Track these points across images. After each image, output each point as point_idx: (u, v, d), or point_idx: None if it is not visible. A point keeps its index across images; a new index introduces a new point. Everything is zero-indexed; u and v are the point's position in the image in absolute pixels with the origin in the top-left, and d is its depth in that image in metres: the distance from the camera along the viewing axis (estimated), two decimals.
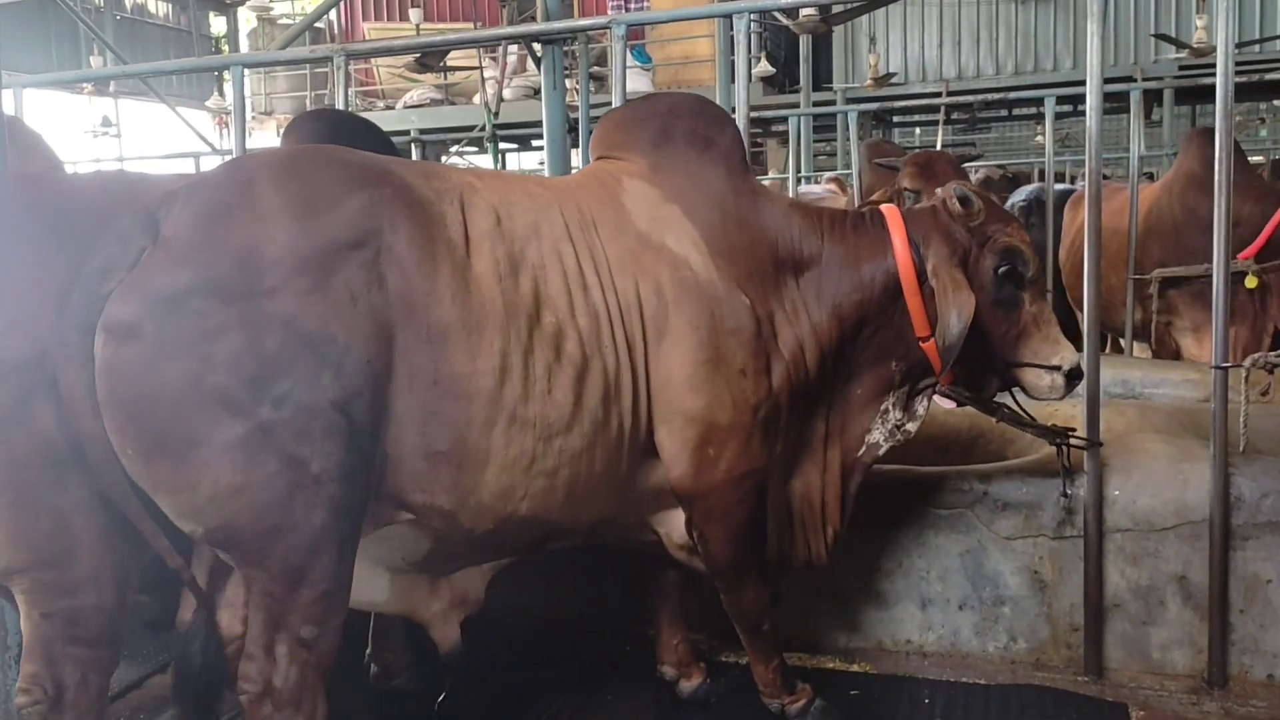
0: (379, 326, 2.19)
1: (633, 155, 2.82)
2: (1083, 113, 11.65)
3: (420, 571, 2.58)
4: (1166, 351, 5.97)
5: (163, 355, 2.06)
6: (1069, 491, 3.25)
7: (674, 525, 2.82)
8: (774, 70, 11.66)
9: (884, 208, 2.97)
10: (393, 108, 14.24)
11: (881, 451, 2.95)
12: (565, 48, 6.82)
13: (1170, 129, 12.82)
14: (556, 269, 2.49)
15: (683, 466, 2.64)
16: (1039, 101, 13.65)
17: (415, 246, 2.29)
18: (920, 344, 2.83)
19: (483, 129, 6.85)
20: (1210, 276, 5.67)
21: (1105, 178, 10.04)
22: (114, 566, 2.26)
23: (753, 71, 11.77)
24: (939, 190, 2.98)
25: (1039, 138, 16.21)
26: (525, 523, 2.46)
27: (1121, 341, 6.99)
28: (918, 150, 5.88)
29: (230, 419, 2.06)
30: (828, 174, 11.30)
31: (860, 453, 2.94)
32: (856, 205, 5.72)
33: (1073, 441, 3.21)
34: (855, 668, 3.37)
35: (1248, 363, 3.08)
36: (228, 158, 8.18)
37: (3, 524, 2.13)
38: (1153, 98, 11.52)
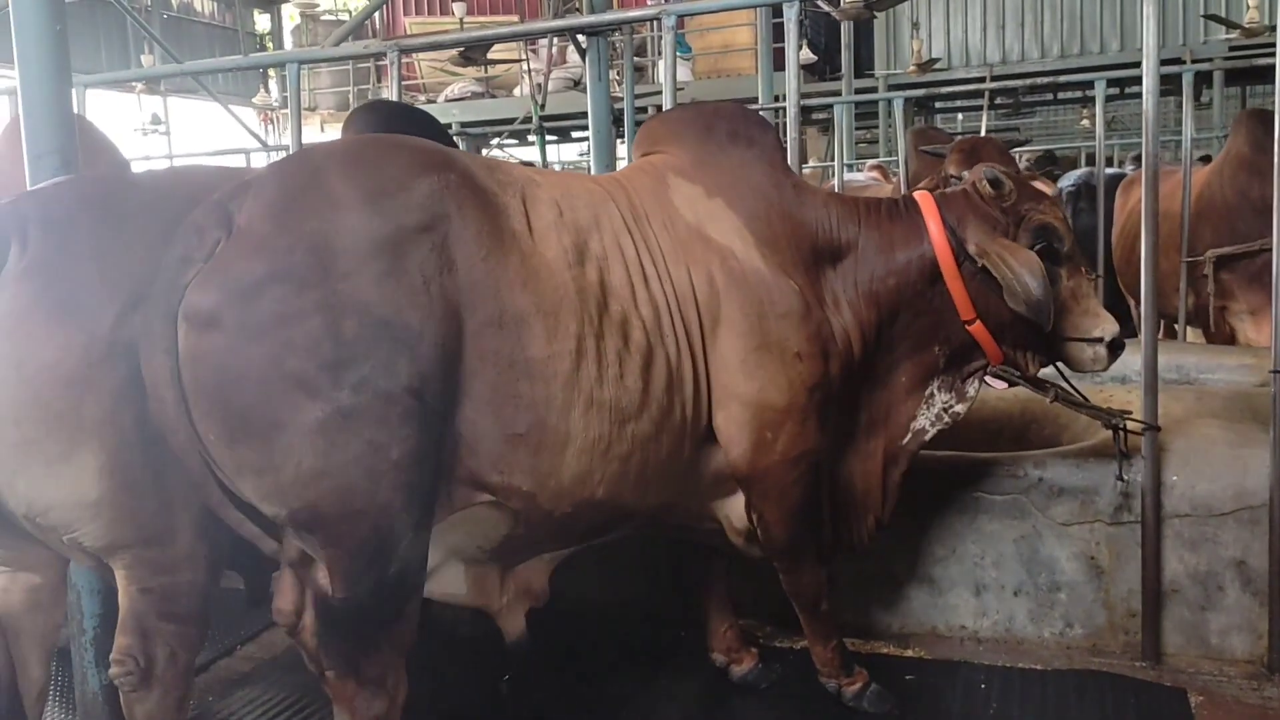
0: (450, 310, 2.25)
1: (677, 152, 2.88)
2: (1131, 96, 11.62)
3: (493, 561, 2.64)
4: (1221, 336, 5.89)
5: (243, 342, 2.12)
6: (1126, 477, 3.23)
7: (734, 510, 2.86)
8: (815, 58, 11.59)
9: (918, 193, 2.99)
10: (434, 101, 14.36)
11: (929, 437, 2.97)
12: (608, 38, 6.83)
13: (1220, 111, 12.62)
14: (618, 260, 2.55)
15: (741, 449, 2.68)
16: (1084, 85, 13.51)
17: (483, 232, 2.34)
18: (965, 327, 2.85)
19: (526, 120, 6.91)
20: (1265, 252, 5.65)
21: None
22: (209, 546, 2.35)
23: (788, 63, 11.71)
24: (967, 173, 3.01)
25: (1085, 121, 15.97)
26: (600, 506, 2.50)
27: (1175, 327, 6.92)
28: (963, 137, 5.82)
29: (310, 403, 2.12)
30: (870, 161, 11.25)
31: (905, 440, 2.97)
32: (903, 193, 5.68)
33: (1130, 425, 3.19)
34: (909, 653, 3.38)
35: None
36: (276, 154, 8.32)
37: (113, 502, 2.20)
38: (1202, 79, 11.36)
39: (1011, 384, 3.22)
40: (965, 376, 2.96)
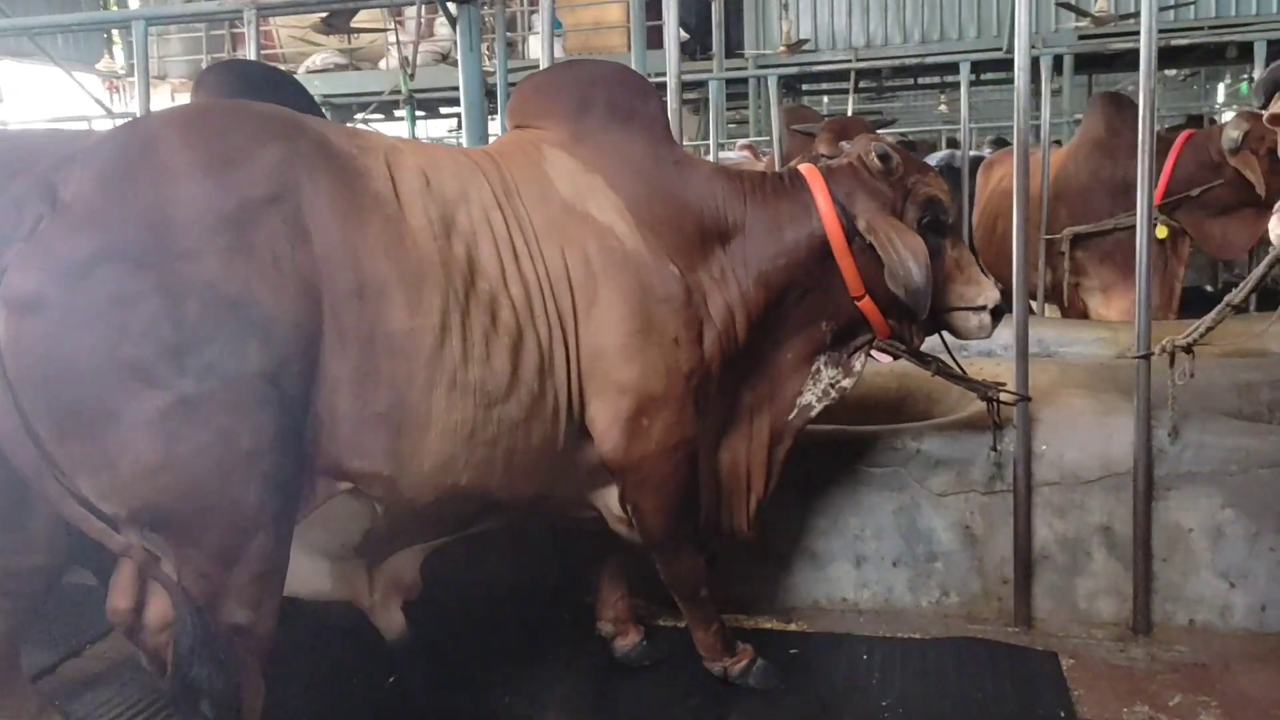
0: (306, 285, 2.10)
1: (552, 124, 2.77)
2: (986, 82, 11.98)
3: (359, 557, 2.50)
4: (1075, 311, 6.13)
5: (71, 327, 1.93)
6: (999, 447, 3.30)
7: (613, 499, 2.78)
8: (688, 36, 11.59)
9: (803, 168, 2.96)
10: (294, 73, 13.78)
11: (814, 413, 2.97)
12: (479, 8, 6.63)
13: (1070, 97, 13.22)
14: (487, 235, 2.42)
15: (615, 439, 2.60)
16: (945, 70, 13.92)
17: (340, 198, 2.20)
18: (855, 303, 2.84)
19: (394, 93, 6.67)
20: (1117, 231, 5.90)
21: (1005, 142, 10.24)
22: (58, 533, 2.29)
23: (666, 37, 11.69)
24: (849, 145, 2.99)
25: (942, 107, 16.50)
26: (466, 495, 2.39)
27: (1032, 303, 7.18)
28: (832, 117, 5.88)
29: (149, 392, 1.95)
30: (741, 141, 11.33)
31: (791, 416, 2.95)
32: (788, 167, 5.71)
33: (1003, 396, 3.25)
34: (793, 627, 3.38)
35: (1158, 350, 3.15)
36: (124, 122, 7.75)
37: None
38: (1052, 66, 11.86)
39: (896, 357, 3.25)
40: (851, 351, 2.96)
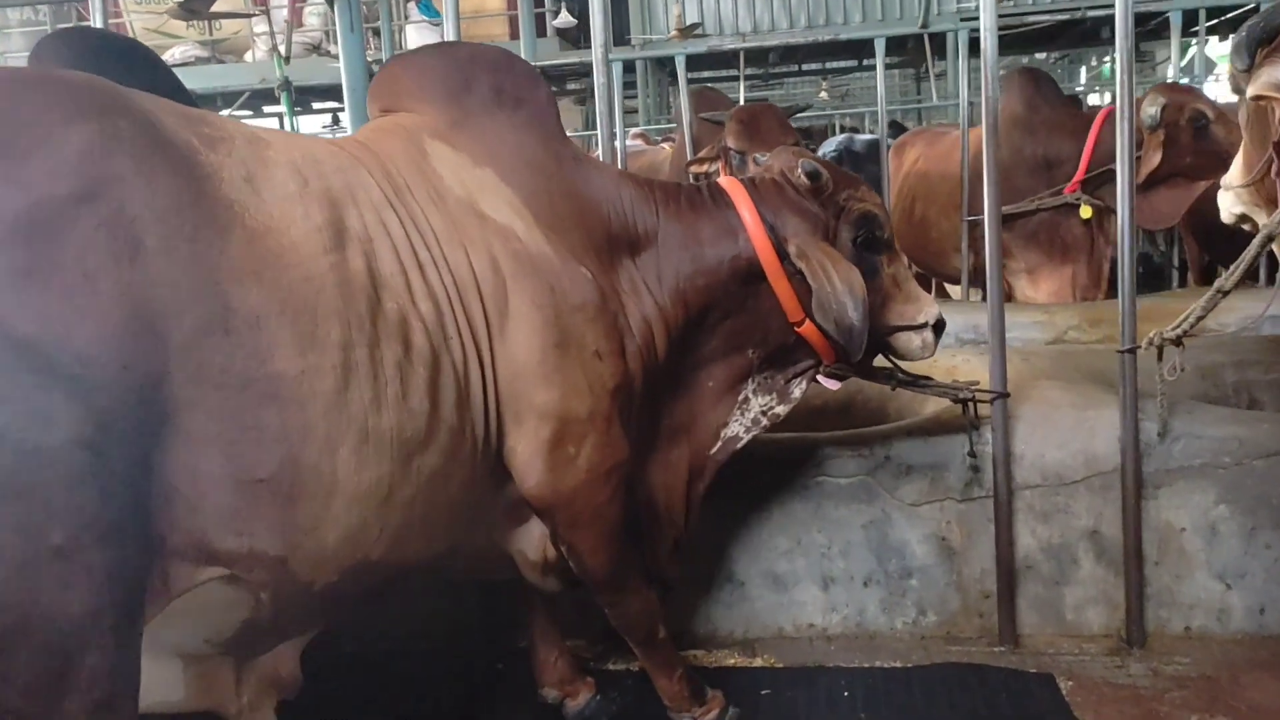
0: (140, 314, 1.57)
1: (428, 110, 2.35)
2: (867, 68, 11.97)
3: (226, 653, 1.98)
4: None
5: None
6: (976, 450, 2.99)
7: (529, 542, 2.41)
8: (575, 22, 11.16)
9: (725, 182, 2.65)
10: None
11: (741, 444, 2.66)
12: None
13: (956, 79, 13.29)
14: (385, 243, 2.00)
15: (539, 472, 2.21)
16: (826, 58, 13.85)
17: (185, 202, 1.69)
18: (791, 329, 2.56)
19: (263, 86, 6.06)
20: (1041, 212, 5.73)
21: (901, 126, 10.12)
22: None
23: (551, 25, 11.26)
24: (774, 160, 2.69)
25: (823, 94, 16.53)
26: (376, 569, 1.93)
27: (946, 286, 7.00)
28: (740, 105, 5.51)
29: None
30: (633, 130, 10.98)
31: (714, 449, 2.64)
32: (688, 159, 5.32)
33: (979, 396, 2.94)
34: (759, 662, 3.01)
35: (1145, 343, 2.88)
36: None
37: None
38: (938, 49, 11.91)
39: (844, 378, 2.92)
40: (791, 377, 2.67)
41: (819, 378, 2.76)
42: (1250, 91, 2.62)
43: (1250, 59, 2.57)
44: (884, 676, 2.88)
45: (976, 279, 6.07)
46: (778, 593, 3.13)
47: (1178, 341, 2.83)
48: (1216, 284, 2.80)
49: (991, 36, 2.94)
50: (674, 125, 12.09)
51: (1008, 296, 5.90)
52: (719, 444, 2.64)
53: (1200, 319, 2.81)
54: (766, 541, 3.12)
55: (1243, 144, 3.12)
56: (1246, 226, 3.33)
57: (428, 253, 2.07)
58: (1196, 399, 3.37)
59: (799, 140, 5.00)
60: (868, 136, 9.72)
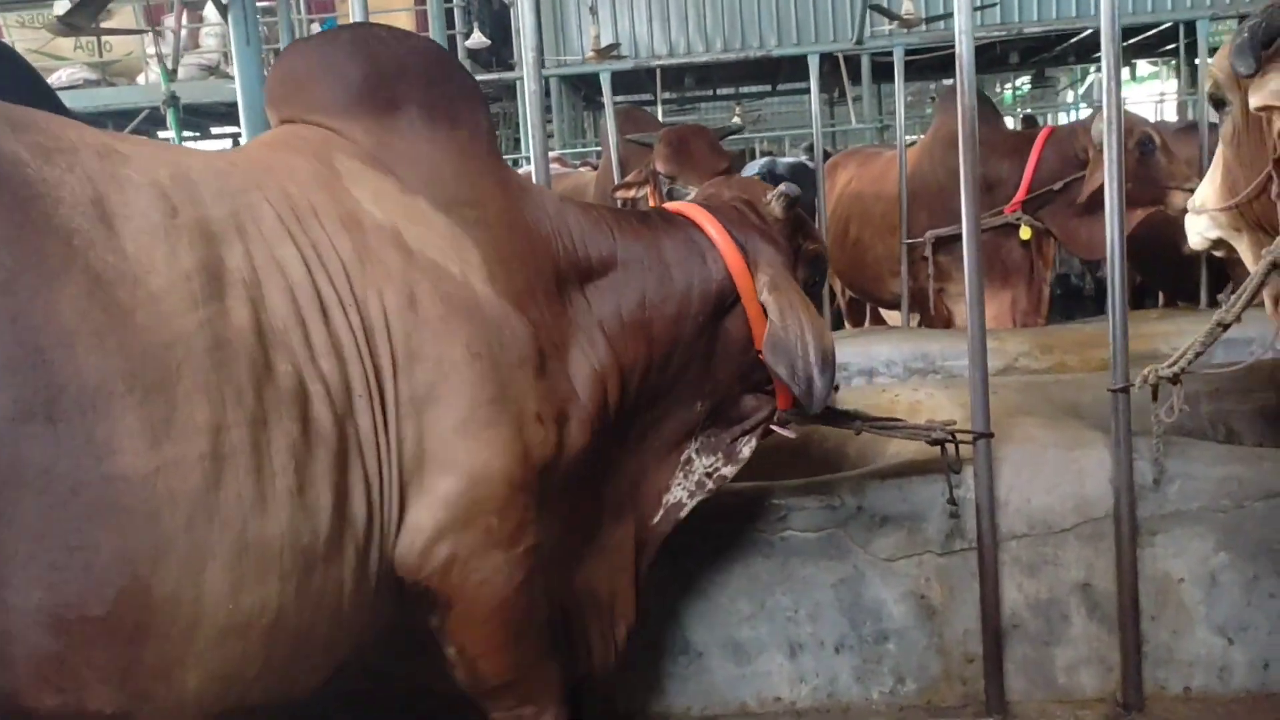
0: None
1: (345, 124, 1.96)
2: (783, 93, 11.98)
3: None
4: (940, 319, 5.73)
5: None
6: (956, 496, 2.68)
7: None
8: (489, 42, 10.80)
9: (681, 206, 2.37)
10: None
11: (684, 513, 2.34)
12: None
13: (870, 103, 13.36)
14: (278, 284, 1.59)
15: (439, 550, 1.79)
16: (741, 82, 13.77)
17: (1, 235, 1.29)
18: (736, 372, 2.32)
19: (154, 110, 5.56)
20: (981, 233, 5.54)
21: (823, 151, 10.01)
22: None
23: (463, 45, 10.89)
24: (718, 187, 2.48)
25: (736, 118, 16.50)
26: (255, 710, 1.53)
27: (882, 312, 6.78)
28: (670, 127, 5.19)
29: None
30: (552, 153, 10.66)
31: (656, 519, 2.31)
32: (614, 183, 4.97)
33: (959, 437, 2.64)
34: None
35: (1140, 381, 2.62)
36: None
37: None
38: (852, 73, 11.94)
39: (801, 425, 2.59)
40: (739, 435, 2.38)
41: (773, 425, 2.44)
42: (1254, 102, 2.37)
43: (1256, 64, 2.33)
44: None
45: (915, 304, 5.86)
46: (739, 664, 2.78)
47: (1175, 379, 2.57)
48: (1216, 316, 2.55)
49: (967, 43, 2.66)
50: (592, 149, 11.85)
51: (949, 322, 5.70)
52: (661, 513, 2.30)
53: (1199, 354, 2.56)
54: (726, 605, 2.76)
55: (1219, 163, 2.90)
56: (1219, 253, 3.12)
57: (334, 293, 1.67)
58: (1172, 433, 3.14)
59: (730, 165, 4.71)
60: (790, 159, 9.54)
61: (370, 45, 2.04)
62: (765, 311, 2.19)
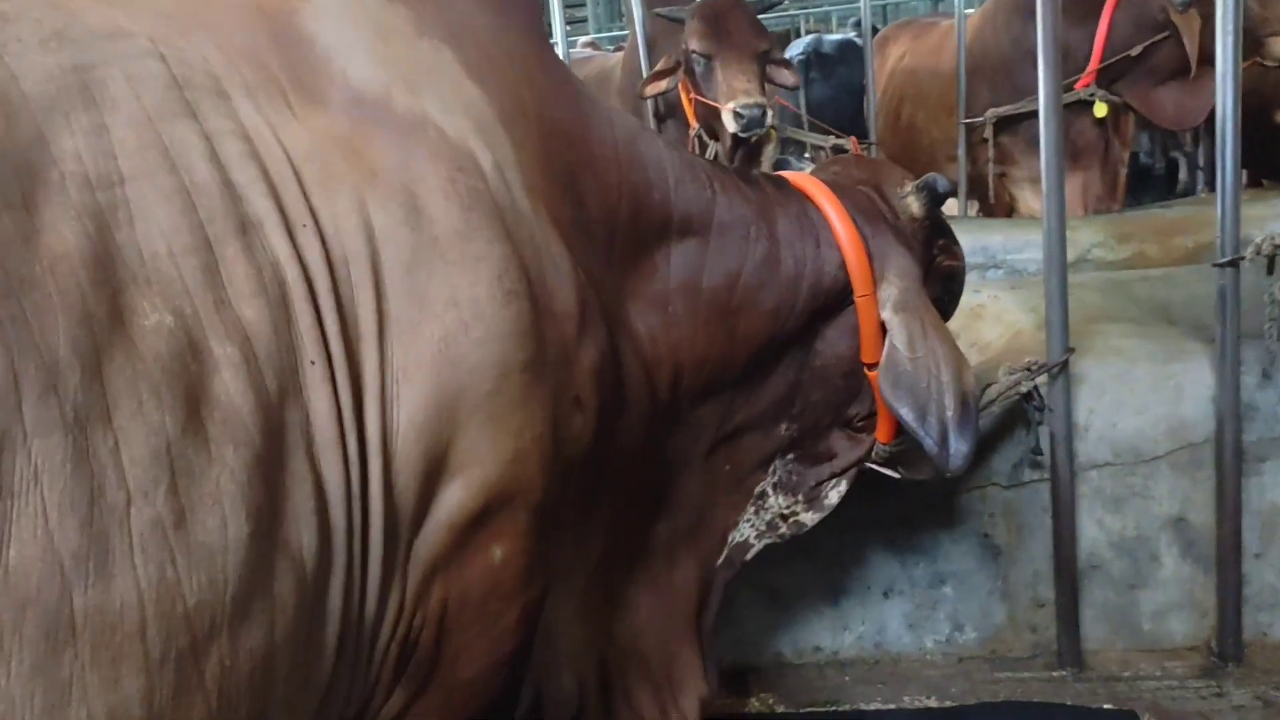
0: None
1: None
2: None
3: None
4: (1001, 207, 5.23)
5: None
6: (1041, 418, 2.27)
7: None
8: None
9: (798, 178, 1.85)
10: None
11: (750, 555, 1.90)
12: None
13: None
14: (159, 186, 1.02)
15: (438, 596, 1.24)
16: None
17: None
18: (840, 391, 1.85)
19: None
20: None
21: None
22: None
23: None
24: (838, 168, 1.95)
25: None
26: None
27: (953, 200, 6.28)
28: (702, 1, 4.59)
29: None
30: (582, 39, 10.11)
31: (719, 560, 1.88)
32: (645, 73, 4.46)
33: (1037, 374, 2.22)
34: (754, 704, 2.34)
35: (1251, 252, 2.16)
36: None
37: None
38: None
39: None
40: (829, 476, 1.90)
41: (872, 463, 1.94)
42: None
43: None
44: None
45: (974, 190, 5.36)
46: (775, 609, 2.45)
47: None
48: None
49: None
50: (627, 33, 11.22)
51: (1010, 210, 5.21)
52: (724, 556, 1.87)
53: None
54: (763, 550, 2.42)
55: None
56: None
57: (269, 199, 1.08)
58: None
59: (772, 44, 4.20)
60: (838, 36, 8.90)
61: None
62: (889, 334, 1.72)
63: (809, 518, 1.89)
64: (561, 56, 5.34)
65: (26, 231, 0.91)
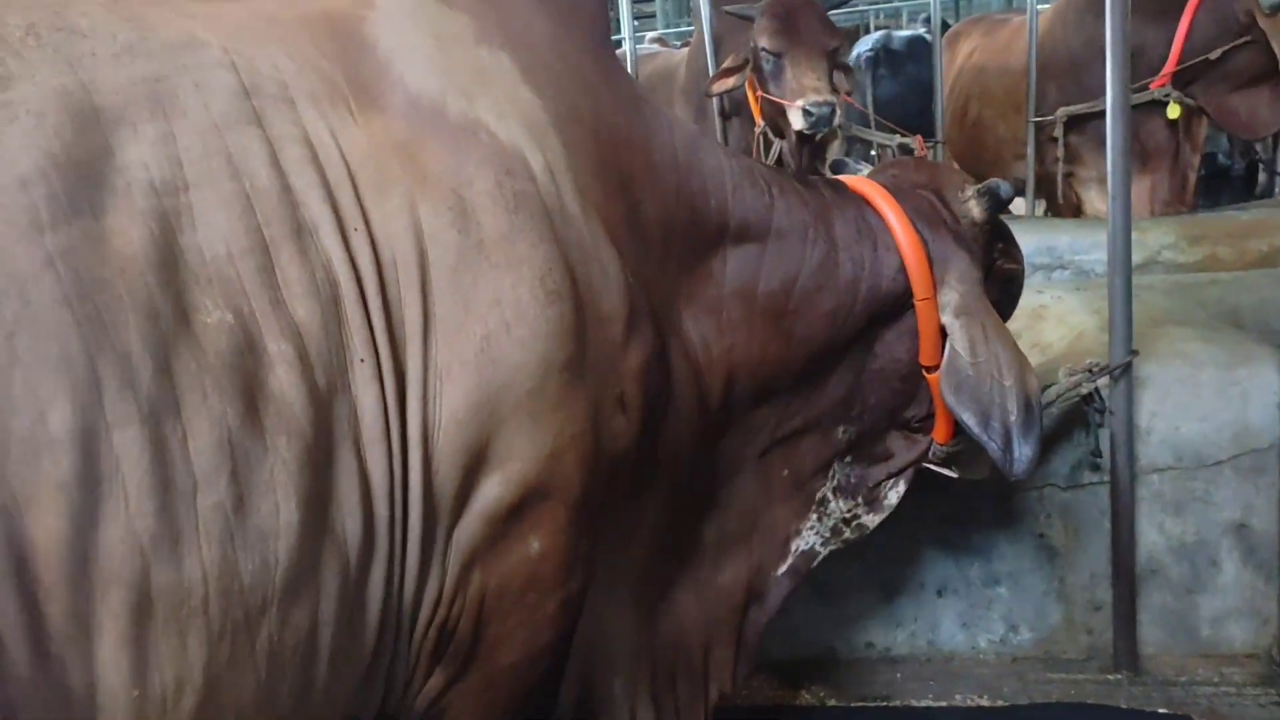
0: None
1: None
2: None
3: None
4: (1069, 207, 5.17)
5: None
6: (1101, 420, 2.26)
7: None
8: None
9: (857, 181, 1.88)
10: None
11: (815, 563, 1.92)
12: None
13: None
14: (222, 191, 1.08)
15: (476, 586, 1.30)
16: None
17: None
18: (899, 393, 1.87)
19: None
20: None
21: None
22: None
23: None
24: (897, 172, 1.95)
25: None
26: None
27: (1020, 199, 6.21)
28: None
29: None
30: (650, 34, 10.16)
31: (782, 569, 1.89)
32: (712, 72, 4.48)
33: (1098, 376, 2.21)
34: (805, 697, 2.36)
35: None
36: None
37: None
38: None
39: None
40: (887, 476, 1.93)
41: (929, 463, 1.96)
42: None
43: None
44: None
45: (1040, 190, 5.30)
46: (825, 603, 2.47)
47: None
48: None
49: None
50: (693, 29, 11.23)
51: (1078, 210, 5.13)
52: (788, 561, 1.89)
53: None
54: None
55: None
56: None
57: (326, 204, 1.13)
58: None
59: (843, 42, 4.19)
60: (908, 33, 8.82)
61: None
62: (950, 338, 1.74)
63: (870, 520, 1.92)
64: (628, 52, 5.39)
65: (95, 236, 0.97)
